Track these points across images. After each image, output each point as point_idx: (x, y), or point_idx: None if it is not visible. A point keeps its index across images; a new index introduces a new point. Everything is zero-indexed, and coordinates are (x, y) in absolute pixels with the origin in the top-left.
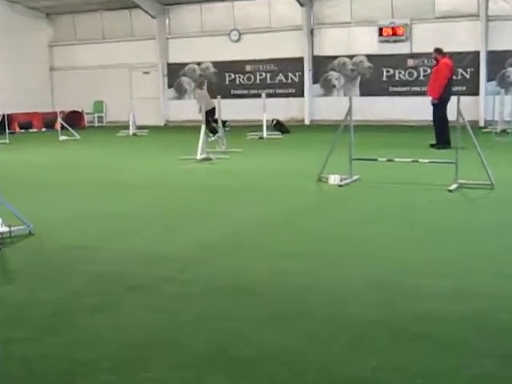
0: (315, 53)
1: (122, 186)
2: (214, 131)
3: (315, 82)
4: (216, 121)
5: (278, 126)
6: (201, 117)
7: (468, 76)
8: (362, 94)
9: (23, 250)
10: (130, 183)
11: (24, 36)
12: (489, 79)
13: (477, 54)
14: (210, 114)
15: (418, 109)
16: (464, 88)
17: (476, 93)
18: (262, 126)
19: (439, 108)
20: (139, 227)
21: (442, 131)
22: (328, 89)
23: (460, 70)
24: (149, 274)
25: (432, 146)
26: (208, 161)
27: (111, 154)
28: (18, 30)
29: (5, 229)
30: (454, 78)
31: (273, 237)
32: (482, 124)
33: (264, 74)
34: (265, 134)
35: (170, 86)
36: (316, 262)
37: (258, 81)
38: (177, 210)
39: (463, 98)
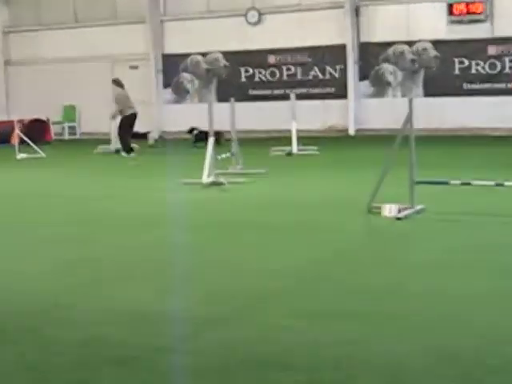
0: (362, 39)
1: (102, 223)
2: (127, 148)
3: (363, 77)
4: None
5: (203, 135)
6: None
7: None
8: (427, 94)
9: None
10: (112, 218)
11: None
12: None
13: None
14: (130, 122)
15: (503, 113)
16: None
17: None
18: (290, 138)
19: None
20: (127, 279)
21: None
22: (380, 87)
23: None
24: (139, 342)
25: None
26: (218, 186)
27: (88, 179)
28: None
29: None
30: None
31: (309, 291)
32: None
33: (293, 69)
34: (294, 148)
35: (166, 86)
36: (368, 326)
37: (284, 77)
38: (176, 256)
39: None
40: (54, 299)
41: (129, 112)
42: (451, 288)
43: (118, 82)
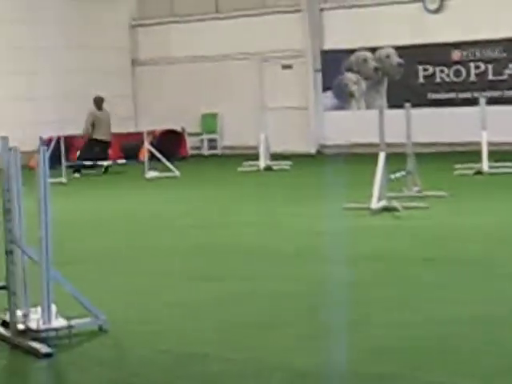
0: None
1: (253, 253)
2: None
3: None
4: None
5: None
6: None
7: None
8: None
9: (89, 359)
10: (266, 248)
11: (91, 11)
12: None
13: None
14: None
15: None
16: None
17: None
18: (480, 153)
19: None
20: (270, 323)
21: None
22: None
23: None
24: None
25: None
26: (391, 212)
27: (231, 202)
28: (82, 1)
29: (61, 322)
30: None
31: (486, 345)
32: None
33: (483, 66)
34: (485, 166)
35: (326, 89)
36: None
37: (472, 77)
38: (333, 296)
39: None
40: (193, 345)
41: (105, 137)
42: None
43: (98, 102)
